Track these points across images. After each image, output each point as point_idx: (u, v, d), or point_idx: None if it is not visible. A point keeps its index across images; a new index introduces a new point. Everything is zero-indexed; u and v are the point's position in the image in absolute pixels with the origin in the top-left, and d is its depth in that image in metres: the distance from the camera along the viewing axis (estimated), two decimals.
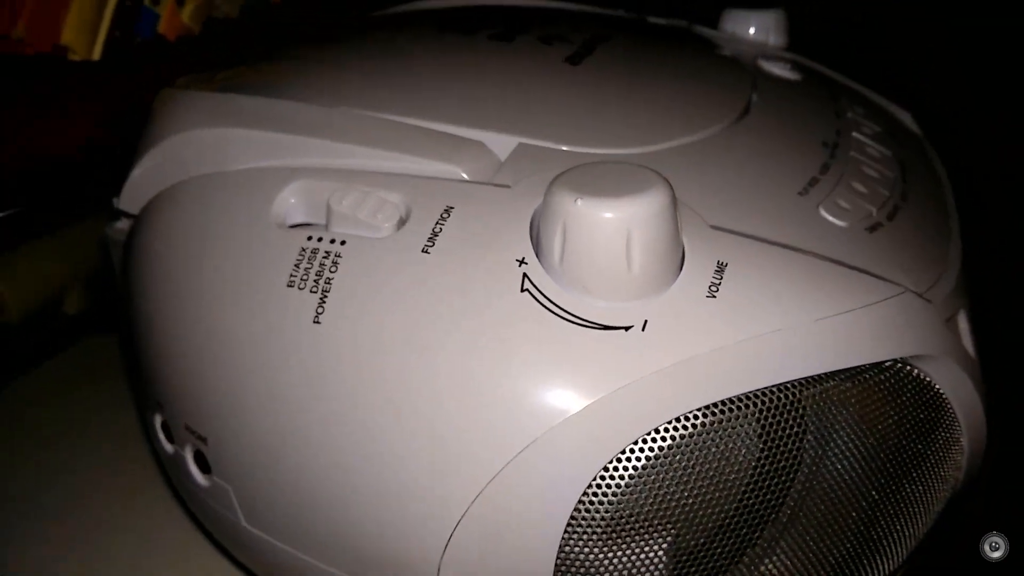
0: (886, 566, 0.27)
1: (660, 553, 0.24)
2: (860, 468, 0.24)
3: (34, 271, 0.43)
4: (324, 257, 0.25)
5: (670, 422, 0.22)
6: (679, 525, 0.23)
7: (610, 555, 0.23)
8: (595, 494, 0.23)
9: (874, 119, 0.33)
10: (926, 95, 0.39)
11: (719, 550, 0.24)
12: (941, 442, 0.26)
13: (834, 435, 0.24)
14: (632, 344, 0.22)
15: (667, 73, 0.33)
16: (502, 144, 0.27)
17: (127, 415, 0.41)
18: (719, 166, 0.28)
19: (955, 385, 0.26)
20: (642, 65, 0.33)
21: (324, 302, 0.24)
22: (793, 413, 0.23)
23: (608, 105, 0.30)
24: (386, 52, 0.34)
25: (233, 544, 0.30)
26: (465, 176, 0.26)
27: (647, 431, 0.22)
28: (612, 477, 0.23)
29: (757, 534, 0.24)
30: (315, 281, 0.24)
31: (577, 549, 0.23)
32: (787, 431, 0.23)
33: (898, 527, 0.26)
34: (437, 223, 0.25)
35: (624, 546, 0.23)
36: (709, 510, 0.23)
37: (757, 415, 0.23)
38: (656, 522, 0.23)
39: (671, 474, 0.23)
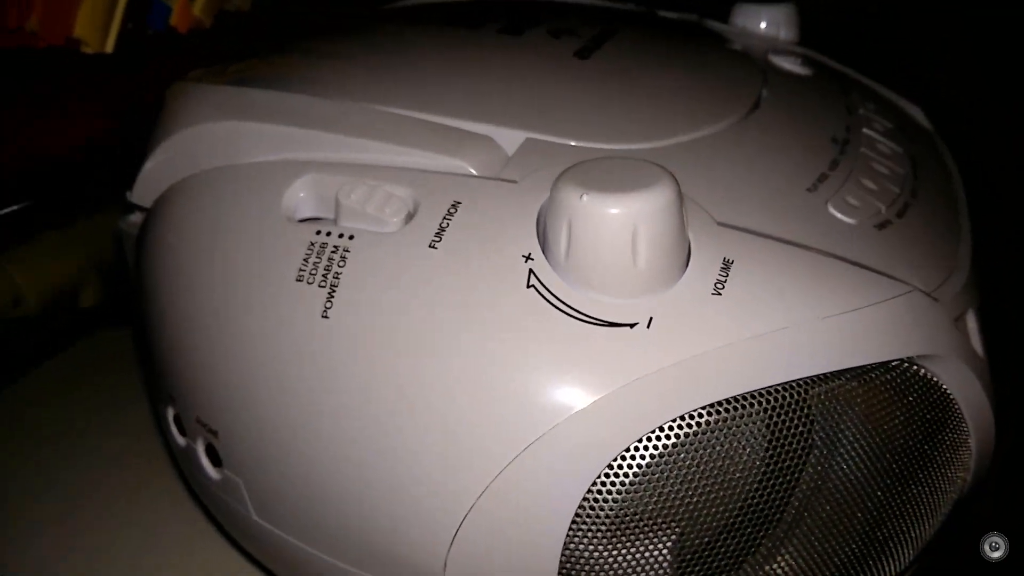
0: (892, 567, 0.27)
1: (665, 552, 0.24)
2: (866, 468, 0.24)
3: (51, 264, 0.43)
4: (332, 252, 0.25)
5: (674, 420, 0.22)
6: (684, 524, 0.23)
7: (614, 552, 0.23)
8: (599, 491, 0.23)
9: (885, 115, 0.33)
10: (938, 89, 0.39)
11: (724, 550, 0.24)
12: (948, 443, 0.26)
13: (840, 435, 0.24)
14: (637, 341, 0.22)
15: (676, 68, 0.33)
16: (510, 139, 0.27)
17: (136, 409, 0.42)
18: (727, 162, 0.27)
19: (963, 385, 0.25)
20: (651, 59, 0.33)
21: (332, 297, 0.24)
22: (799, 412, 0.23)
23: (617, 100, 0.30)
24: (395, 46, 0.34)
25: (243, 537, 0.31)
26: (473, 171, 0.26)
27: (651, 429, 0.22)
28: (616, 474, 0.23)
29: (762, 534, 0.24)
30: (323, 275, 0.25)
31: (582, 546, 0.23)
32: (793, 430, 0.23)
33: (905, 528, 0.26)
34: (444, 218, 0.25)
35: (628, 544, 0.23)
36: (714, 509, 0.23)
37: (763, 414, 0.23)
38: (661, 520, 0.23)
39: (675, 472, 0.23)
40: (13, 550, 0.37)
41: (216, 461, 0.28)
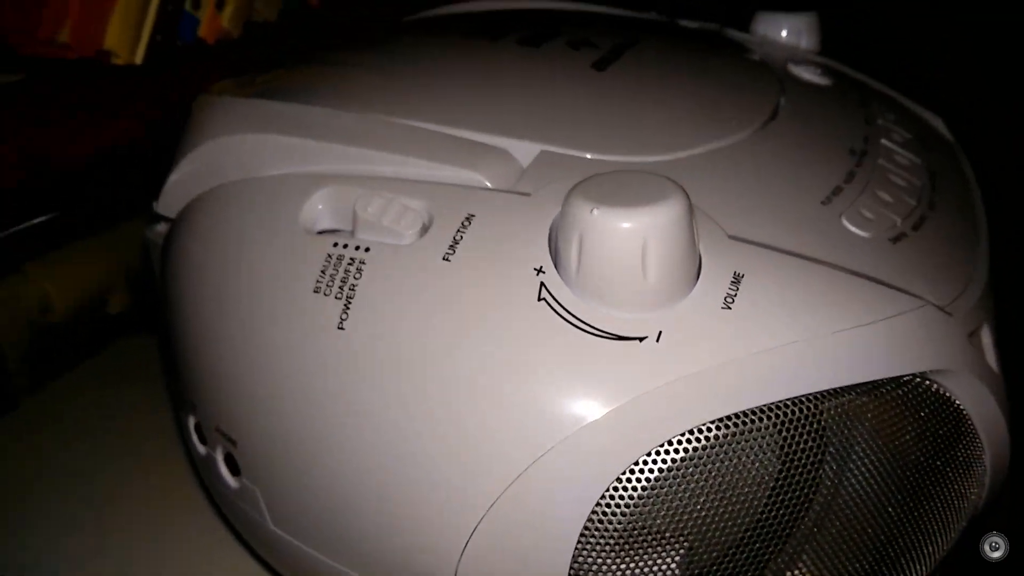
0: None
1: (673, 567, 0.24)
2: (877, 484, 0.24)
3: (80, 271, 0.44)
4: (349, 264, 0.25)
5: (683, 434, 0.22)
6: (693, 539, 0.23)
7: (623, 564, 0.23)
8: (608, 504, 0.23)
9: (905, 125, 0.33)
10: (960, 99, 0.39)
11: (734, 566, 0.24)
12: (961, 459, 0.26)
13: (852, 450, 0.24)
14: (646, 355, 0.22)
15: (694, 78, 0.33)
16: (525, 151, 0.27)
17: (162, 417, 0.42)
18: (742, 173, 0.27)
19: (976, 401, 0.25)
20: (669, 70, 0.33)
21: (348, 308, 0.25)
22: (810, 427, 0.23)
23: (633, 112, 0.30)
24: (415, 57, 0.34)
25: (260, 545, 0.31)
26: (487, 183, 0.26)
27: (660, 443, 0.22)
28: (625, 488, 0.23)
29: (773, 550, 0.24)
30: (340, 287, 0.25)
31: (591, 557, 0.23)
32: (804, 445, 0.23)
33: (917, 545, 0.26)
34: (458, 231, 0.25)
35: (637, 556, 0.23)
36: (723, 524, 0.23)
37: (772, 428, 0.23)
38: (669, 535, 0.23)
39: (684, 487, 0.23)
40: (37, 554, 0.37)
41: (235, 470, 0.28)
